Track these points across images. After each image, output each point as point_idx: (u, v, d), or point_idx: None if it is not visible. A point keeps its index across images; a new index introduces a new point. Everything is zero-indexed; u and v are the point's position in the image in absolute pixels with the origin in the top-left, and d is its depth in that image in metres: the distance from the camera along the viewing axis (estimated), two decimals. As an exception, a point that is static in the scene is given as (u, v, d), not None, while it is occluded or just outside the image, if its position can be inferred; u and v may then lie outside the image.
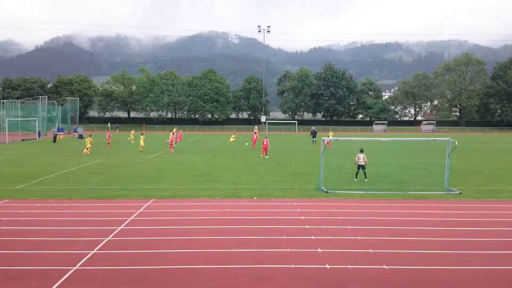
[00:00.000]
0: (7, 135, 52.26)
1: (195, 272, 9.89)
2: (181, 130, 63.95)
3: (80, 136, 61.96)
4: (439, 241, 12.42)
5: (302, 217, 14.95)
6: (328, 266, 10.26)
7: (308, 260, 10.70)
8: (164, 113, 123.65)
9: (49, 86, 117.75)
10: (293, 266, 10.28)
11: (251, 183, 22.42)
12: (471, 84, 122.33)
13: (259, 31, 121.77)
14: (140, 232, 13.17)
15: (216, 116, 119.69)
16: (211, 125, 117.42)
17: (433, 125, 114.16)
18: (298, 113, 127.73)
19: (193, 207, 16.58)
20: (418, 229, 13.63)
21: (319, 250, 11.46)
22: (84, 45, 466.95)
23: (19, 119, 64.01)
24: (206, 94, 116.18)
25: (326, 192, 19.81)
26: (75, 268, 10.10)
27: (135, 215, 15.22)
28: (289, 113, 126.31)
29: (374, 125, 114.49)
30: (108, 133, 53.58)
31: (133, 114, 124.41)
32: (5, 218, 14.68)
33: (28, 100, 79.21)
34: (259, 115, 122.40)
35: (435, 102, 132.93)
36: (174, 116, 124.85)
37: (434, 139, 25.39)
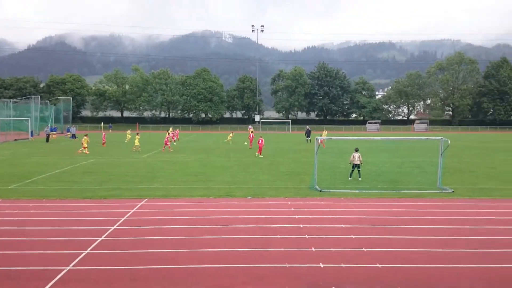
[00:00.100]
0: (-1, 135, 51.93)
1: (189, 272, 9.87)
2: (178, 129, 63.73)
3: (73, 136, 61.63)
4: (432, 239, 12.47)
5: (296, 216, 14.96)
6: (322, 265, 10.28)
7: (302, 259, 10.71)
8: (157, 113, 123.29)
9: (41, 85, 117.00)
10: (287, 265, 10.28)
11: (245, 183, 22.40)
12: (464, 83, 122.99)
13: (252, 31, 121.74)
14: (134, 232, 13.13)
15: (210, 116, 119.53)
16: (205, 124, 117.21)
17: (426, 124, 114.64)
18: (292, 113, 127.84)
19: (186, 207, 16.55)
20: (411, 228, 13.68)
21: (313, 249, 11.47)
22: (77, 45, 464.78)
23: (12, 118, 63.59)
24: (199, 93, 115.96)
25: (320, 191, 19.84)
26: (68, 268, 10.05)
27: (128, 215, 15.17)
28: (283, 112, 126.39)
29: (367, 124, 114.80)
30: (104, 133, 53.38)
31: (126, 114, 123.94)
32: (-3, 219, 14.58)
33: (21, 99, 78.83)
34: (253, 115, 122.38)
35: (428, 101, 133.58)
36: (167, 116, 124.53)
37: (427, 138, 25.50)
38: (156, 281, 9.39)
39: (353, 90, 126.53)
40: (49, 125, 68.38)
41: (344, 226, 13.80)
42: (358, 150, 23.56)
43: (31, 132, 61.22)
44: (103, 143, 47.24)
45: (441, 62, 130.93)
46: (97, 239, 12.23)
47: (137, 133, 45.41)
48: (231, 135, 55.01)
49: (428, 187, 21.14)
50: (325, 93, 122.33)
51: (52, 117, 77.75)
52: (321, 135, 47.22)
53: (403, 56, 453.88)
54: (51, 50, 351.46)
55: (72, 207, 16.52)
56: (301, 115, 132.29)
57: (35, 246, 11.72)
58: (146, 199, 17.92)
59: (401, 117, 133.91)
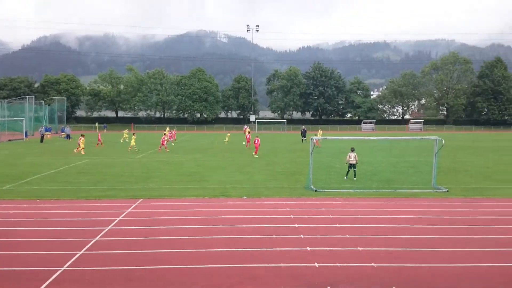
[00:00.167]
0: (-7, 135, 51.66)
1: (184, 272, 9.87)
2: (175, 129, 63.51)
3: (68, 136, 61.40)
4: (427, 239, 12.52)
5: (292, 216, 14.97)
6: (317, 265, 10.29)
7: (298, 259, 10.73)
8: (152, 113, 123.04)
9: (36, 85, 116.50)
10: (282, 265, 10.29)
11: (240, 183, 22.40)
12: (458, 83, 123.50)
13: (247, 30, 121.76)
14: (129, 232, 13.10)
15: (205, 116, 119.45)
16: (200, 124, 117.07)
17: (420, 124, 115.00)
18: (287, 112, 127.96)
19: (181, 207, 16.53)
20: (406, 227, 13.73)
21: (308, 248, 11.49)
22: (72, 45, 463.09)
23: (6, 119, 63.28)
24: (195, 93, 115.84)
25: (315, 191, 19.86)
26: (63, 268, 10.02)
27: (123, 215, 15.14)
28: (278, 112, 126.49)
29: (362, 124, 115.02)
30: (99, 133, 53.25)
31: (121, 114, 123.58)
32: (-9, 219, 14.51)
33: (15, 99, 78.40)
34: (248, 115, 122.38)
35: (423, 101, 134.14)
36: (162, 116, 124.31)
37: (422, 138, 25.62)
38: (151, 281, 9.38)
39: (348, 90, 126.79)
40: (44, 125, 68.15)
41: (339, 225, 13.83)
42: (354, 150, 23.60)
43: (26, 133, 60.96)
44: (97, 144, 46.86)
45: (436, 62, 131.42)
46: (92, 240, 12.20)
47: (133, 134, 45.33)
48: (228, 134, 55.14)
49: (422, 186, 21.21)
50: (320, 93, 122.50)
51: (47, 117, 77.47)
52: (316, 135, 47.34)
53: (398, 56, 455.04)
54: (46, 50, 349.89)
55: (66, 207, 16.47)
56: (296, 115, 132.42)
57: (30, 246, 11.68)
58: (141, 200, 17.88)
59: (395, 116, 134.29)
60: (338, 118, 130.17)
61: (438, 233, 13.12)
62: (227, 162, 31.63)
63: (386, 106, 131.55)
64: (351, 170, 23.63)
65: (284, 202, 17.39)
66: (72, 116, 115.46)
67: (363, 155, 33.36)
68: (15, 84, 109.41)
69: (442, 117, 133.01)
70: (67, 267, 10.14)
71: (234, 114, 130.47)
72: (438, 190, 20.25)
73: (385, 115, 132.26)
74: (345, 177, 23.68)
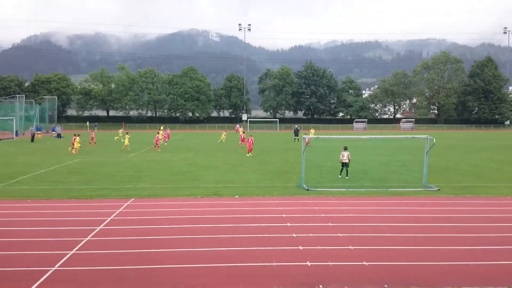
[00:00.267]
0: (-17, 135, 51.24)
1: (176, 272, 9.84)
2: (169, 129, 63.31)
3: (59, 135, 61.02)
4: (418, 237, 12.57)
5: (284, 215, 14.98)
6: (309, 264, 10.30)
7: (290, 257, 10.73)
8: (144, 112, 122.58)
9: (26, 84, 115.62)
10: (274, 264, 10.29)
11: (232, 182, 22.38)
12: (449, 82, 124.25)
13: (239, 29, 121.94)
14: (120, 232, 13.04)
15: (197, 115, 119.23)
16: (192, 123, 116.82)
17: (412, 123, 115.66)
18: (280, 112, 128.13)
19: (173, 206, 16.48)
20: (398, 226, 13.79)
21: (300, 247, 11.50)
22: (62, 43, 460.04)
23: (-4, 118, 62.88)
24: (186, 92, 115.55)
25: (307, 190, 19.89)
26: (53, 268, 9.95)
27: (114, 214, 15.07)
28: (271, 111, 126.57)
29: (354, 123, 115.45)
30: (92, 132, 52.99)
31: (112, 113, 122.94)
32: (-19, 219, 14.38)
33: (5, 99, 77.91)
34: (241, 114, 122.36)
35: (414, 100, 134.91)
36: (154, 115, 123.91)
37: (413, 137, 25.74)
38: (142, 281, 9.34)
39: (340, 89, 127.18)
40: (34, 124, 67.74)
41: (331, 224, 13.86)
42: (347, 149, 23.66)
43: (16, 132, 60.58)
44: (89, 143, 46.65)
45: (427, 61, 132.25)
46: (83, 239, 12.13)
47: (127, 133, 45.19)
48: (225, 133, 55.19)
49: (414, 185, 21.31)
50: (312, 92, 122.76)
51: (37, 116, 77.01)
52: (308, 134, 47.44)
53: (389, 55, 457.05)
54: (36, 49, 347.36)
55: (57, 207, 16.37)
56: (289, 114, 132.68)
57: (20, 246, 11.59)
58: (132, 199, 17.81)
59: (387, 116, 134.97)
60: (330, 117, 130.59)
61: (430, 231, 13.19)
62: (219, 161, 31.59)
63: (377, 105, 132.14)
64: (344, 169, 23.70)
65: (276, 201, 17.40)
66: (63, 115, 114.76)
67: (355, 154, 33.44)
68: (5, 83, 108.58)
69: (433, 116, 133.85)
70: (58, 267, 10.07)
71: (226, 113, 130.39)
72: (429, 189, 20.36)
73: (377, 114, 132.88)
74: (339, 176, 23.75)
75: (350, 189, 20.11)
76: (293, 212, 15.42)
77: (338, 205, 16.84)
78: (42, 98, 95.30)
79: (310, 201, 17.45)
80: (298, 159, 29.00)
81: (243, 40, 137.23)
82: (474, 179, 23.87)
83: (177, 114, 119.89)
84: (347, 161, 23.49)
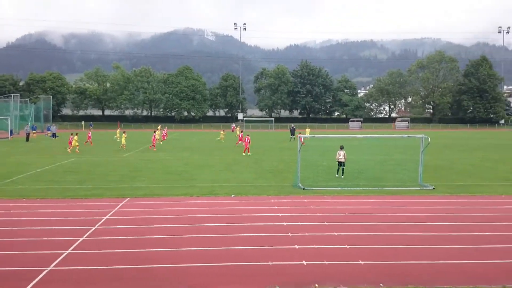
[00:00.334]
0: (-23, 134, 50.99)
1: (171, 271, 9.83)
2: (166, 128, 63.22)
3: (54, 135, 60.84)
4: (414, 236, 12.61)
5: (279, 214, 14.99)
6: (305, 263, 10.32)
7: (285, 256, 10.74)
8: (139, 111, 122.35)
9: (21, 83, 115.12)
10: (270, 263, 10.30)
11: (228, 181, 22.37)
12: (444, 81, 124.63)
13: (235, 28, 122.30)
14: (115, 231, 13.01)
15: (192, 114, 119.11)
16: (187, 122, 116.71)
17: (407, 122, 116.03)
18: (275, 111, 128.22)
19: (169, 206, 16.45)
20: (393, 225, 13.82)
21: (296, 246, 11.51)
22: (57, 42, 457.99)
23: (-9, 117, 62.60)
24: (182, 91, 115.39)
25: (303, 189, 19.90)
26: (49, 268, 9.92)
27: (110, 214, 15.03)
28: (266, 110, 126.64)
29: (350, 122, 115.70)
30: (89, 131, 52.83)
31: (107, 112, 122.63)
32: (-25, 219, 14.31)
33: (0, 98, 77.43)
34: (236, 113, 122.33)
35: (409, 99, 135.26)
36: (149, 114, 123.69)
37: (408, 136, 25.77)
38: (138, 280, 9.32)
39: (336, 88, 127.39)
40: (29, 124, 67.46)
41: (327, 223, 13.88)
42: (343, 148, 23.71)
43: (11, 131, 60.32)
44: (86, 142, 46.58)
45: (422, 61, 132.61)
46: (78, 239, 12.09)
47: (124, 132, 45.14)
48: (223, 132, 55.26)
49: (409, 184, 21.37)
50: (308, 91, 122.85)
51: (32, 115, 76.72)
52: (304, 133, 47.43)
53: (385, 54, 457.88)
54: (31, 48, 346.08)
55: (52, 206, 16.31)
56: (284, 113, 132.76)
57: (15, 246, 11.54)
58: (128, 199, 17.77)
59: (382, 115, 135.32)
60: (325, 116, 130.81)
61: (425, 230, 13.23)
62: (215, 161, 31.57)
63: (373, 105, 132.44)
64: (340, 168, 23.73)
65: (272, 200, 17.41)
66: (58, 114, 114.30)
67: (351, 153, 33.53)
68: (0, 82, 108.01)
69: (428, 115, 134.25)
70: (54, 266, 10.04)
71: (221, 113, 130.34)
72: (424, 188, 20.42)
73: (372, 114, 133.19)
74: (336, 175, 23.79)
75: (346, 188, 20.14)
76: (289, 211, 15.43)
77: (333, 204, 16.87)
78: (37, 97, 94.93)
79: (306, 200, 17.47)
80: (294, 158, 29.02)
81: (239, 39, 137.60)
82: (469, 178, 23.96)
83: (173, 114, 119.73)
84: (343, 160, 23.53)
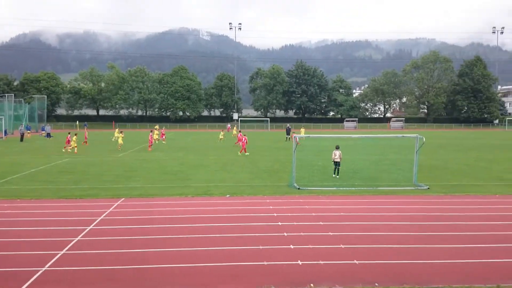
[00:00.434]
0: (-29, 134, 50.72)
1: (166, 271, 9.81)
2: (164, 128, 63.02)
3: (48, 135, 60.62)
4: (409, 235, 12.65)
5: (275, 214, 15.00)
6: (300, 262, 10.33)
7: (281, 256, 10.75)
8: (134, 111, 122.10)
9: (15, 83, 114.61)
10: (265, 263, 10.30)
11: (223, 181, 22.36)
12: (439, 81, 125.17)
13: (230, 28, 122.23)
14: (110, 231, 12.98)
15: (187, 114, 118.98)
16: (182, 122, 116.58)
17: (402, 122, 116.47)
18: (270, 111, 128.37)
19: (164, 206, 16.42)
20: (388, 224, 13.86)
21: (292, 246, 11.52)
22: (52, 42, 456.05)
23: (-16, 117, 62.22)
24: (177, 91, 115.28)
25: (299, 188, 19.93)
26: (43, 269, 9.88)
27: (105, 214, 14.99)
28: (262, 110, 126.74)
29: (345, 122, 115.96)
30: (86, 131, 52.68)
31: (102, 112, 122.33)
32: (-31, 220, 14.24)
33: (-6, 97, 77.10)
34: (231, 113, 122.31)
35: (404, 99, 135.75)
36: (145, 114, 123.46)
37: (403, 136, 25.85)
38: (133, 281, 9.30)
39: (331, 88, 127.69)
40: (24, 123, 67.24)
41: (322, 223, 13.90)
42: (339, 148, 23.75)
43: (5, 131, 60.05)
44: (84, 142, 46.45)
45: (416, 61, 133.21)
46: (73, 239, 12.05)
47: (121, 132, 45.09)
48: (223, 132, 55.32)
49: (404, 184, 21.43)
50: (303, 91, 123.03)
51: (27, 115, 76.45)
52: (297, 133, 47.48)
53: (380, 54, 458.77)
54: (25, 48, 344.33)
55: (47, 207, 16.25)
56: (280, 113, 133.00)
57: (10, 247, 11.49)
58: (123, 199, 17.73)
59: (377, 115, 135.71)
60: (321, 116, 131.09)
61: (420, 230, 13.27)
62: (210, 161, 31.55)
63: (368, 105, 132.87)
64: (336, 168, 23.77)
65: (268, 200, 17.42)
66: (53, 114, 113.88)
67: (346, 153, 33.58)
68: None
69: (423, 115, 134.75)
70: (48, 267, 10.00)
71: (217, 112, 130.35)
72: (419, 187, 20.49)
73: (367, 113, 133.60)
74: (333, 175, 23.83)
75: (341, 188, 20.18)
76: (284, 211, 15.44)
77: (329, 204, 16.90)
78: (32, 97, 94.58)
79: (301, 200, 17.49)
80: (289, 158, 29.04)
81: (234, 39, 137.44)
82: (464, 177, 24.06)
83: (168, 113, 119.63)
84: (339, 160, 23.58)
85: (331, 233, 12.76)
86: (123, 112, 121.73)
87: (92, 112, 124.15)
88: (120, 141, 41.47)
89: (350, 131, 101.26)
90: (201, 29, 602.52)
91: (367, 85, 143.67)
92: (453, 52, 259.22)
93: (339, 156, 23.53)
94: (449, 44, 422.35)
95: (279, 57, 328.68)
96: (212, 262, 10.34)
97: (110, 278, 9.41)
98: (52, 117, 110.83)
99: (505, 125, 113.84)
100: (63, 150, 37.07)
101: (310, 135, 30.26)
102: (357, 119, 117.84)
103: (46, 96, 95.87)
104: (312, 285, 9.09)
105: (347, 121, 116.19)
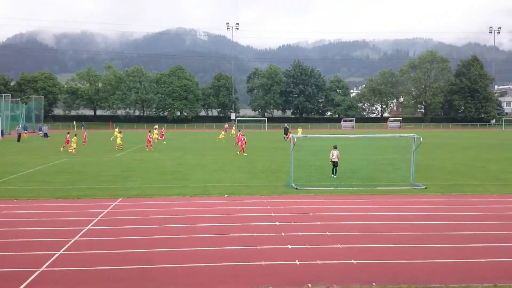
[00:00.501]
0: (-32, 134, 50.58)
1: (164, 272, 9.81)
2: (163, 128, 62.85)
3: (45, 135, 60.49)
4: (406, 235, 12.67)
5: (272, 214, 15.01)
6: (298, 262, 10.34)
7: (278, 256, 10.75)
8: (131, 111, 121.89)
9: (12, 83, 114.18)
10: (263, 263, 10.31)
11: (221, 181, 22.35)
12: (436, 81, 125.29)
13: (227, 28, 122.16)
14: (108, 232, 12.97)
15: (185, 114, 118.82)
16: (180, 122, 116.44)
17: (399, 122, 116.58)
18: (268, 111, 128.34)
19: (162, 206, 16.42)
20: (386, 224, 13.88)
21: (289, 246, 11.53)
22: (49, 42, 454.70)
23: (-19, 117, 62.10)
24: (174, 91, 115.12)
25: (296, 188, 19.94)
26: (41, 269, 9.86)
27: (102, 214, 14.97)
28: (259, 110, 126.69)
29: (342, 122, 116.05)
30: (85, 131, 52.58)
31: (99, 112, 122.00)
32: (-34, 220, 14.20)
33: (-10, 98, 76.88)
34: (229, 113, 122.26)
35: (401, 99, 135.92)
36: (142, 114, 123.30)
37: (400, 136, 25.87)
38: (131, 281, 9.29)
39: (328, 88, 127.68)
40: (21, 124, 67.03)
41: (320, 223, 13.91)
42: (336, 148, 23.76)
43: (2, 131, 59.92)
44: (84, 142, 46.45)
45: (414, 61, 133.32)
46: (71, 240, 12.03)
47: (120, 132, 45.03)
48: (223, 132, 55.33)
49: (401, 183, 21.47)
50: (300, 91, 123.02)
51: (23, 116, 76.26)
52: (294, 133, 47.54)
53: (377, 54, 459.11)
54: (22, 48, 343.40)
55: (44, 207, 16.22)
56: (277, 113, 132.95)
57: (7, 247, 11.46)
58: (120, 199, 17.71)
59: (375, 115, 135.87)
60: (318, 116, 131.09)
61: (418, 229, 13.30)
62: (208, 161, 31.54)
63: (365, 104, 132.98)
64: (334, 168, 23.79)
65: (265, 200, 17.42)
66: (50, 114, 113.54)
67: (343, 153, 33.60)
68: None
69: (420, 115, 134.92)
70: (46, 267, 9.98)
71: (214, 113, 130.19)
72: (416, 187, 20.53)
73: (365, 113, 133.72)
74: (331, 175, 23.84)
75: (339, 188, 20.19)
76: (282, 211, 15.45)
77: (326, 203, 16.91)
78: (28, 97, 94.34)
79: (298, 200, 17.50)
80: (286, 158, 29.06)
81: (231, 39, 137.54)
82: (461, 177, 24.11)
83: (165, 113, 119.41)
84: (337, 160, 23.59)
85: (329, 233, 12.77)
86: (121, 112, 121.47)
87: (89, 112, 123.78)
88: (118, 140, 41.39)
89: (347, 131, 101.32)
90: (199, 29, 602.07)
91: (364, 85, 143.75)
92: (450, 52, 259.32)
93: (337, 156, 23.55)
94: (446, 44, 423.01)
95: (276, 57, 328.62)
96: (209, 262, 10.34)
97: (107, 279, 9.40)
98: (49, 117, 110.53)
99: (502, 125, 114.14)
100: (61, 150, 36.98)
101: (308, 135, 30.26)
102: (354, 119, 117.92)
103: (43, 96, 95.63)
104: (310, 285, 9.10)
105: (344, 121, 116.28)
